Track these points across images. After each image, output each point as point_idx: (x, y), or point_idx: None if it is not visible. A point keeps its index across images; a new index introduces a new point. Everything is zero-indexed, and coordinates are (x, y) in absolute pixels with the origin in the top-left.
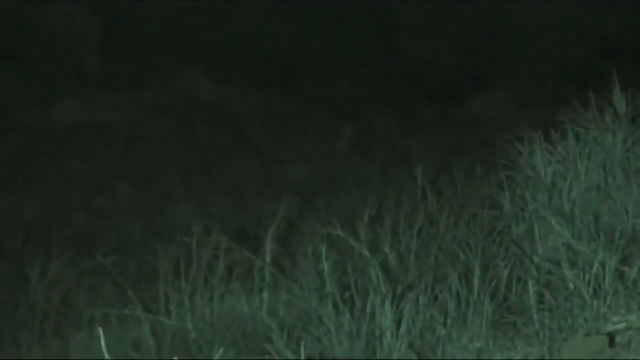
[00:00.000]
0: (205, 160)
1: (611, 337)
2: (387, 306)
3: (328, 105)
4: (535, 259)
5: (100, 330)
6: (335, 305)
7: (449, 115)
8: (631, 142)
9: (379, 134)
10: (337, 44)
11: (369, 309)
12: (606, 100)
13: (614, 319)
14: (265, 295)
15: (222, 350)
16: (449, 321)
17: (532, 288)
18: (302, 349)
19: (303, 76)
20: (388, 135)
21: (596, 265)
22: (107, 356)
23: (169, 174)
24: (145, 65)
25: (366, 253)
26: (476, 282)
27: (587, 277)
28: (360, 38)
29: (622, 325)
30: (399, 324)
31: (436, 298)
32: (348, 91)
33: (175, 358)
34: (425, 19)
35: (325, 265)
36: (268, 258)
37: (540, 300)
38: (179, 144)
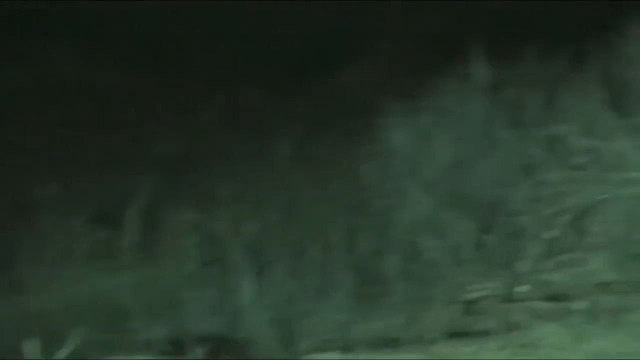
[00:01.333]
0: (69, 137)
1: (469, 304)
2: (248, 281)
3: (192, 79)
4: (396, 230)
5: None
6: (196, 282)
7: (314, 87)
8: (490, 112)
9: (244, 108)
10: (199, 17)
11: (230, 284)
12: (466, 70)
13: (472, 287)
14: (127, 274)
15: (80, 329)
16: (310, 294)
17: (392, 259)
18: (164, 327)
19: (167, 51)
20: (253, 109)
21: (455, 234)
22: None
23: (32, 152)
24: (9, 42)
25: (225, 231)
26: (338, 255)
27: (447, 247)
28: (224, 11)
29: (480, 293)
30: (260, 299)
31: (298, 271)
32: (212, 65)
33: (35, 339)
34: None
35: (188, 243)
36: (130, 236)
37: (401, 270)
38: (43, 122)
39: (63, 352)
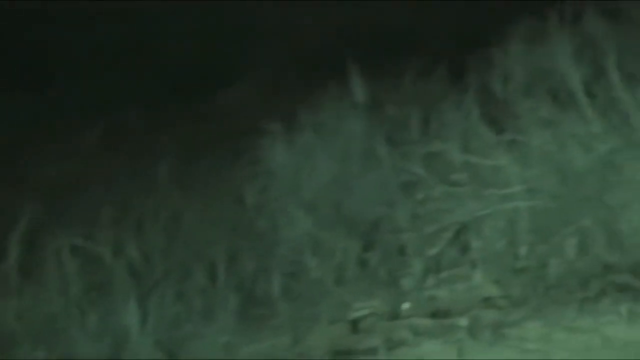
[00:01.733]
0: None
1: (354, 323)
2: (132, 304)
3: (74, 104)
4: (280, 250)
5: None
6: (79, 307)
7: (195, 110)
8: (369, 129)
9: (126, 131)
10: (77, 39)
11: (113, 308)
12: (345, 87)
13: (356, 305)
14: (10, 301)
15: None
16: (195, 317)
17: (276, 279)
18: (47, 353)
19: (47, 75)
20: (135, 132)
21: (338, 253)
22: None
23: None
24: None
25: (107, 255)
26: (221, 276)
27: (330, 265)
28: (101, 34)
29: (365, 311)
30: (145, 322)
31: (182, 294)
32: (94, 89)
33: None
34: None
35: (70, 268)
36: (12, 262)
37: (285, 290)
38: None
39: None
